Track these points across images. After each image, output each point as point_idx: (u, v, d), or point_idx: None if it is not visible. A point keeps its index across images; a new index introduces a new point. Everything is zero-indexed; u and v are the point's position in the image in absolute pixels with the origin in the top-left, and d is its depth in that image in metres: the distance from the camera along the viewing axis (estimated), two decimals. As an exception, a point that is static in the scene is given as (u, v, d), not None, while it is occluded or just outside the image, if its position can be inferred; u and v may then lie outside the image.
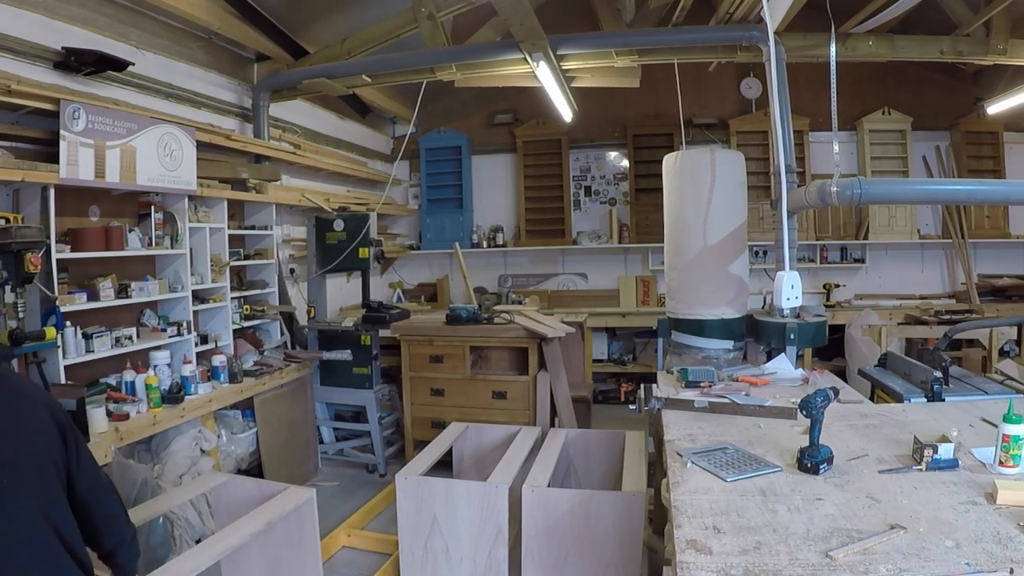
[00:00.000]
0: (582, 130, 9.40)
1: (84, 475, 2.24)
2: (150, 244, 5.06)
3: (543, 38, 5.60)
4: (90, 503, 2.26)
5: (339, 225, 6.52)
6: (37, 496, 2.04)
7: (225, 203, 5.88)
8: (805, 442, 2.75)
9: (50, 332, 4.03)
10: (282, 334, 6.79)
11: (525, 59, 5.93)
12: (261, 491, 3.64)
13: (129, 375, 4.68)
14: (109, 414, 4.27)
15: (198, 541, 4.45)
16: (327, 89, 6.87)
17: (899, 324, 8.05)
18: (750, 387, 4.14)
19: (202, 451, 5.00)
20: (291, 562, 3.61)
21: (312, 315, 6.71)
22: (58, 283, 4.26)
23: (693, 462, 2.82)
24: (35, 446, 2.09)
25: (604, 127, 9.68)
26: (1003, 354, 4.96)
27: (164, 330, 5.16)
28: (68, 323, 4.31)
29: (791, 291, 4.17)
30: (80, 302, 4.43)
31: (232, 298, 6.01)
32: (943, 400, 3.89)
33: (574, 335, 6.63)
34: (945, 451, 2.65)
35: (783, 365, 4.59)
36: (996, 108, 7.96)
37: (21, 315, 3.97)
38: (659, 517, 4.14)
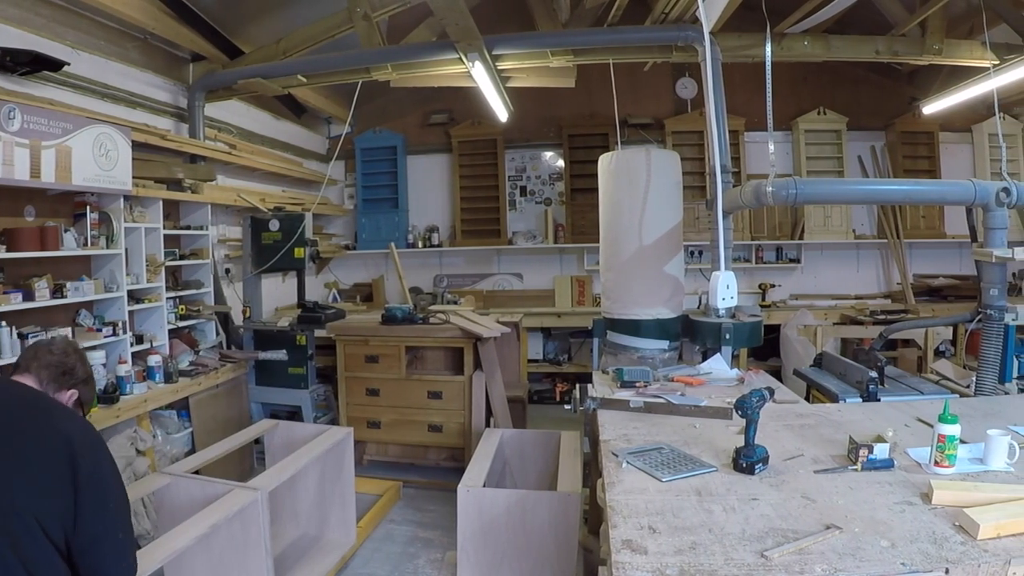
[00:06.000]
0: (518, 130, 9.44)
1: (82, 530, 2.05)
2: (86, 244, 5.00)
3: (478, 38, 5.64)
4: (79, 564, 2.06)
5: (274, 225, 6.51)
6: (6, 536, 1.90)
7: (160, 203, 5.82)
8: (740, 442, 2.78)
9: (-16, 333, 3.99)
10: (217, 334, 6.74)
11: (461, 59, 5.98)
12: (205, 492, 3.60)
13: (64, 375, 4.61)
14: (44, 415, 4.22)
15: (135, 542, 4.43)
16: (263, 89, 6.84)
17: (834, 324, 8.20)
18: (685, 387, 4.19)
19: (138, 451, 4.95)
20: (236, 564, 3.57)
21: (247, 315, 6.69)
22: (-8, 283, 4.20)
23: (628, 462, 2.84)
24: (17, 483, 1.97)
25: (540, 127, 9.73)
26: (939, 354, 5.07)
27: (99, 330, 5.10)
28: (3, 323, 4.26)
29: (726, 291, 4.18)
30: (15, 302, 4.36)
31: (167, 298, 5.96)
32: (878, 400, 3.97)
33: (509, 335, 6.69)
34: (880, 451, 2.68)
35: (718, 365, 4.66)
36: (931, 108, 8.12)
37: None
38: (595, 517, 4.13)
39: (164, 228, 5.90)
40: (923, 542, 2.07)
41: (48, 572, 1.98)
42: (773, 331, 7.83)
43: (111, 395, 4.80)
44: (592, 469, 4.19)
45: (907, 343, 7.81)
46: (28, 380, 2.36)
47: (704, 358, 4.88)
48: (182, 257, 6.41)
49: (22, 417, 2.14)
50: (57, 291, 4.75)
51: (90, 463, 2.10)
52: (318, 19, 6.58)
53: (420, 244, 9.87)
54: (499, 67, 6.51)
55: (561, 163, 9.71)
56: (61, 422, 2.17)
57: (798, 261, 9.43)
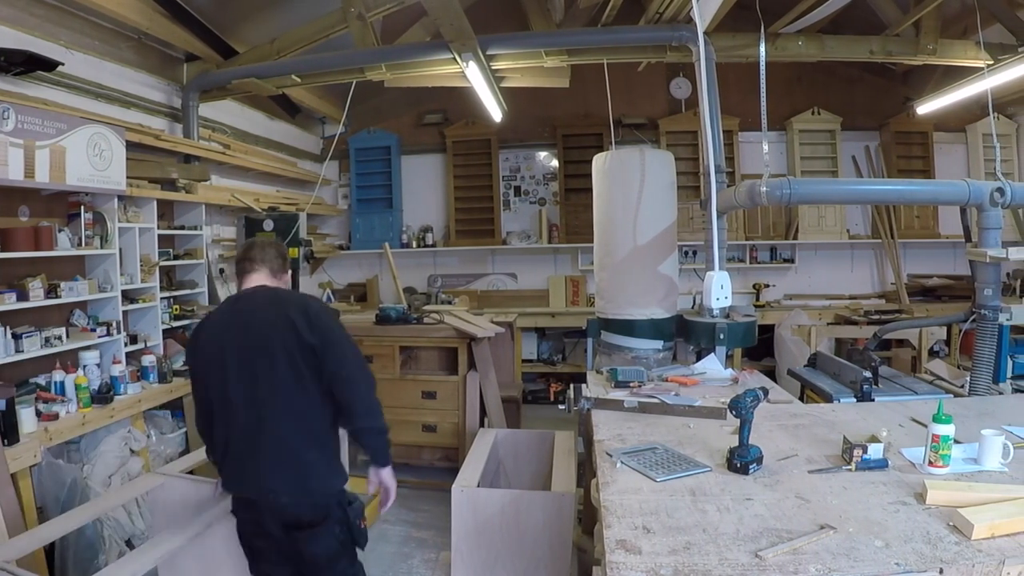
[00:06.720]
0: (512, 130, 9.43)
1: (329, 362, 2.92)
2: (80, 244, 4.99)
3: (472, 38, 5.64)
4: (333, 387, 2.93)
5: (269, 225, 6.49)
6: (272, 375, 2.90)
7: (155, 203, 5.82)
8: (735, 442, 2.76)
9: (-22, 333, 3.98)
10: (212, 334, 6.72)
11: (455, 59, 5.99)
12: (199, 492, 3.58)
13: (59, 375, 4.62)
14: (39, 414, 4.23)
15: (127, 541, 4.43)
16: (257, 89, 6.84)
17: (829, 324, 8.21)
18: (680, 387, 4.15)
19: (132, 451, 4.94)
20: (230, 564, 3.53)
21: (242, 315, 6.67)
22: (-14, 283, 4.19)
23: (623, 462, 2.82)
24: (277, 337, 2.91)
25: (534, 127, 9.72)
26: (933, 354, 5.08)
27: (94, 330, 5.09)
28: (-3, 323, 4.26)
29: (721, 291, 4.20)
30: (9, 302, 4.36)
31: (162, 298, 5.95)
32: (873, 400, 3.97)
33: (504, 335, 6.68)
34: (875, 451, 2.66)
35: (713, 365, 4.65)
36: (925, 108, 8.15)
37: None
38: (589, 517, 4.09)
39: (158, 228, 5.90)
40: (917, 542, 2.05)
41: (308, 391, 2.94)
42: (767, 331, 7.85)
43: (105, 395, 4.78)
44: (586, 469, 4.19)
45: (901, 343, 7.82)
46: (264, 274, 3.21)
47: (698, 358, 4.88)
48: (176, 257, 6.40)
49: (278, 302, 3.06)
50: (51, 291, 4.74)
51: (324, 321, 2.99)
52: (312, 19, 6.59)
53: (414, 244, 9.86)
54: (493, 67, 6.52)
55: (555, 163, 9.72)
56: (302, 299, 3.16)
57: (792, 261, 9.42)
